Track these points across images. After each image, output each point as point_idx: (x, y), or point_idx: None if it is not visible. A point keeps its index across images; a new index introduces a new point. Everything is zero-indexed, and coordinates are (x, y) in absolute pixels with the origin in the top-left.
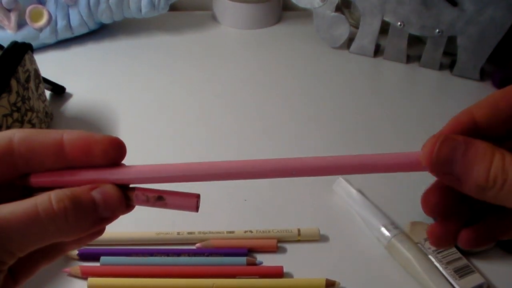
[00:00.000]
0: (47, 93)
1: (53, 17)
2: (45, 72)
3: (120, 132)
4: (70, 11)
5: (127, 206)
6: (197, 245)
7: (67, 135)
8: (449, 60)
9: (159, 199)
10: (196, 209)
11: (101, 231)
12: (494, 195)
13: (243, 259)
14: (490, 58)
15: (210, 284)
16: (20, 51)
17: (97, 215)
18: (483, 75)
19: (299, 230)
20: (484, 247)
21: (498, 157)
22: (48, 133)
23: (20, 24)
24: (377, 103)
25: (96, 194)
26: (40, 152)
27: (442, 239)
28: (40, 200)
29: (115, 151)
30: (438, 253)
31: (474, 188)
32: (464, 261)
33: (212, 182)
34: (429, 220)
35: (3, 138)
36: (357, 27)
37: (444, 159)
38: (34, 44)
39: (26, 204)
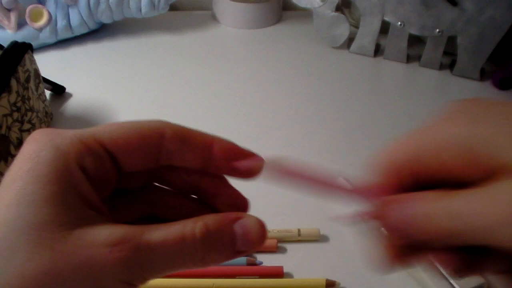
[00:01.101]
0: (47, 93)
1: (53, 17)
2: (45, 72)
3: None
4: (70, 11)
5: None
6: None
7: (218, 139)
8: (449, 60)
9: None
10: None
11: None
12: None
13: (243, 259)
14: (490, 58)
15: (210, 284)
16: (20, 51)
17: (234, 248)
18: (483, 75)
19: (299, 230)
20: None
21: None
22: (201, 132)
23: (20, 24)
24: (377, 103)
25: (238, 228)
26: (189, 148)
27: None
28: (187, 228)
29: (257, 167)
30: None
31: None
32: None
33: None
34: None
35: (158, 124)
36: (357, 27)
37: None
38: (34, 44)
39: (175, 229)
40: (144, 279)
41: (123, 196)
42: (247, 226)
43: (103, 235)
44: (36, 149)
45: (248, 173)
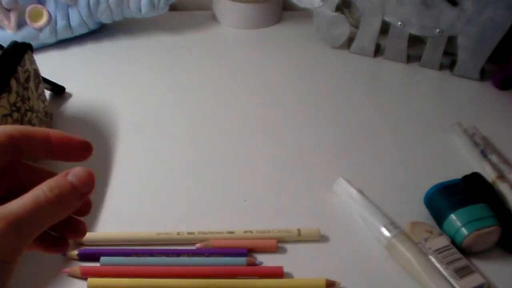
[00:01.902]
0: (47, 93)
1: (53, 17)
2: (44, 72)
3: (120, 131)
4: (70, 11)
5: None
6: (197, 245)
7: (53, 131)
8: (449, 60)
9: None
10: None
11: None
12: None
13: (243, 260)
14: (490, 58)
15: (210, 285)
16: (20, 51)
17: (79, 192)
18: (483, 75)
19: (299, 231)
20: None
21: None
22: (40, 128)
23: (20, 24)
24: (377, 103)
25: (71, 177)
26: (33, 141)
27: None
28: (37, 193)
29: (88, 149)
30: (438, 253)
31: None
32: (464, 261)
33: (212, 181)
34: (429, 220)
35: (6, 128)
36: (357, 27)
37: None
38: (34, 44)
39: (29, 198)
40: (26, 241)
41: None
42: (77, 174)
43: None
44: None
45: (81, 156)
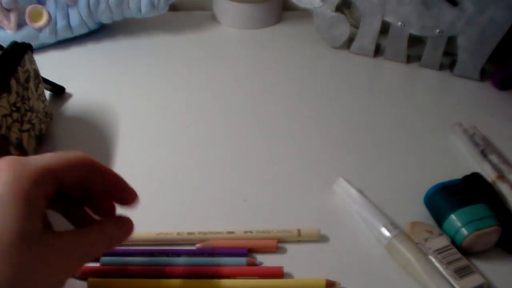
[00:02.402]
0: (47, 93)
1: (53, 17)
2: (44, 72)
3: (120, 131)
4: (70, 11)
5: None
6: (197, 245)
7: (114, 173)
8: (449, 60)
9: None
10: None
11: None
12: None
13: (243, 260)
14: (490, 58)
15: (210, 285)
16: (20, 51)
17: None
18: (483, 75)
19: (299, 231)
20: None
21: None
22: (109, 169)
23: (20, 24)
24: (377, 103)
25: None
26: (99, 177)
27: None
28: (102, 240)
29: (134, 199)
30: (438, 253)
31: None
32: (464, 262)
33: (212, 181)
34: (429, 220)
35: (82, 156)
36: (357, 27)
37: None
38: (34, 44)
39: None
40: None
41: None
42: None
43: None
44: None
45: (126, 202)
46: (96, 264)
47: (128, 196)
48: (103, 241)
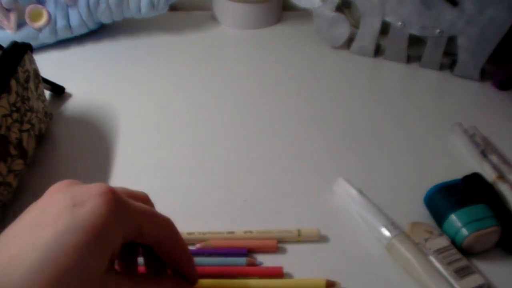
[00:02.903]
0: (47, 93)
1: (53, 17)
2: (44, 72)
3: (120, 132)
4: (70, 11)
5: None
6: (197, 245)
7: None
8: (449, 60)
9: None
10: None
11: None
12: None
13: (243, 260)
14: (490, 58)
15: (210, 284)
16: (20, 51)
17: None
18: (483, 75)
19: (299, 231)
20: None
21: None
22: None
23: (20, 24)
24: (377, 103)
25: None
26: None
27: None
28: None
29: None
30: (438, 253)
31: None
32: (464, 262)
33: (212, 181)
34: (429, 220)
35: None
36: (357, 27)
37: None
38: (34, 44)
39: None
40: None
41: None
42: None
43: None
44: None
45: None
46: None
47: (190, 277)
48: None
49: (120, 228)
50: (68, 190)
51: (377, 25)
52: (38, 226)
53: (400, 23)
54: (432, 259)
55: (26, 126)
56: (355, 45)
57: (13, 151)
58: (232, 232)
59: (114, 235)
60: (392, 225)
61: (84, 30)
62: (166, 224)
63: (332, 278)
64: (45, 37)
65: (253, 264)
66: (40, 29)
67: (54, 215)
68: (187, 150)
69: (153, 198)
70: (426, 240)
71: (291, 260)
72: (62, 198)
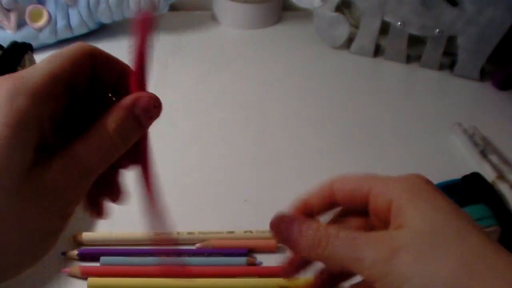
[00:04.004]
0: None
1: (53, 17)
2: None
3: None
4: (70, 11)
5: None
6: (197, 245)
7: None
8: (449, 60)
9: None
10: None
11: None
12: (320, 253)
13: (243, 259)
14: (490, 58)
15: (210, 284)
16: (20, 51)
17: (141, 124)
18: (483, 75)
19: None
20: None
21: (320, 226)
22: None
23: (20, 24)
24: (377, 103)
25: (137, 111)
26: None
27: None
28: (104, 138)
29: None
30: None
31: (306, 249)
32: None
33: (212, 181)
34: None
35: (86, 46)
36: (357, 27)
37: (279, 231)
38: (34, 44)
39: (95, 145)
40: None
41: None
42: (143, 107)
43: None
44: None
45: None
46: (96, 264)
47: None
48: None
49: (31, 110)
50: None
51: (376, 25)
52: None
53: (399, 23)
54: None
55: None
56: (355, 45)
57: None
58: (232, 232)
59: (27, 121)
60: None
61: (84, 30)
62: (80, 50)
63: None
64: (45, 37)
65: (253, 264)
66: (40, 29)
67: None
68: (186, 150)
69: None
70: None
71: None
72: None
